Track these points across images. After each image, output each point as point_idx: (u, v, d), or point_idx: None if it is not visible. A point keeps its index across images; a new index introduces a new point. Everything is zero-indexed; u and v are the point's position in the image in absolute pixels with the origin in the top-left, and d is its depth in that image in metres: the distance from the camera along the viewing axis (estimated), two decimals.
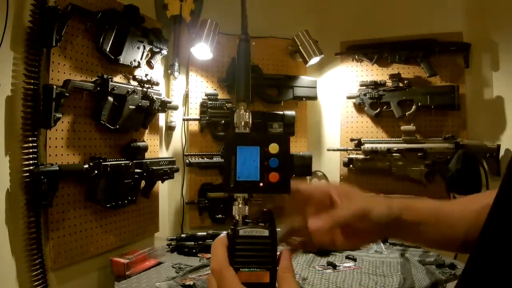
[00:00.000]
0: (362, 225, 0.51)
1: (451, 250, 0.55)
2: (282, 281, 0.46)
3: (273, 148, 0.49)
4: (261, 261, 0.46)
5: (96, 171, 1.48)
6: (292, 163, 0.50)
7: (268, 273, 0.46)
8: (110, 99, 1.55)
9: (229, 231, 0.48)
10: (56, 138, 1.40)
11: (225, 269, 0.45)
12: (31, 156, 1.29)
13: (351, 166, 2.21)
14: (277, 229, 0.48)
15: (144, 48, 1.72)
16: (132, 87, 1.65)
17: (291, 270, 0.47)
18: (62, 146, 1.43)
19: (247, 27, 0.54)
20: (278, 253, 0.48)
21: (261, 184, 0.48)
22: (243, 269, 0.45)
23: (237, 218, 0.49)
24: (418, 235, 0.53)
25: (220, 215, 2.06)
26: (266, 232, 0.47)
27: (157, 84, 1.81)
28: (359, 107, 2.27)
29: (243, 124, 0.51)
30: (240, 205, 0.49)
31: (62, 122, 1.41)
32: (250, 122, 0.52)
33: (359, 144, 2.16)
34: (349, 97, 2.27)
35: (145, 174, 1.73)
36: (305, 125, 2.34)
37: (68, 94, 1.36)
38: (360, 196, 0.54)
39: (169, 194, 2.05)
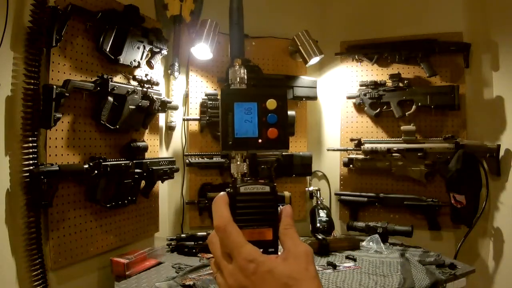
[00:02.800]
0: None
1: None
2: (285, 237, 0.45)
3: (271, 104, 0.48)
4: (263, 218, 0.45)
5: (96, 171, 1.48)
6: (287, 119, 0.48)
7: (271, 230, 0.45)
8: (110, 99, 1.55)
9: (229, 189, 0.47)
10: (56, 138, 1.40)
11: (230, 225, 0.43)
12: (31, 156, 1.29)
13: (351, 166, 2.22)
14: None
15: (144, 48, 1.72)
16: (132, 87, 1.65)
17: (293, 226, 0.46)
18: (62, 146, 1.43)
19: None
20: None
21: (260, 141, 0.47)
22: (246, 227, 0.44)
23: (236, 175, 0.48)
24: None
25: None
26: (267, 188, 0.46)
27: (157, 84, 1.81)
28: (359, 107, 2.27)
29: (238, 80, 0.50)
30: (238, 163, 0.48)
31: (62, 122, 1.41)
32: (246, 78, 0.50)
33: (359, 144, 2.16)
34: (349, 97, 2.27)
35: (145, 174, 1.73)
36: (305, 125, 2.34)
37: (68, 94, 1.36)
38: None
39: (169, 194, 2.05)
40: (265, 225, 0.45)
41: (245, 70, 0.51)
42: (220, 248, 0.45)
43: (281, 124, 0.48)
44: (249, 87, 0.50)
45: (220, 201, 0.46)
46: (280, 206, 0.47)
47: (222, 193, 0.47)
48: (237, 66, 0.50)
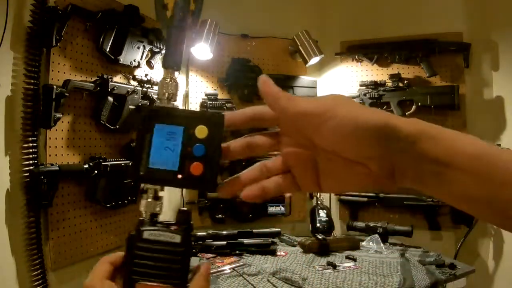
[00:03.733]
0: (345, 145, 0.35)
1: (487, 219, 0.35)
2: None
3: (201, 131, 0.38)
4: (166, 275, 0.38)
5: (96, 171, 1.48)
6: (219, 154, 0.39)
7: None
8: (110, 99, 1.55)
9: (132, 231, 0.40)
10: (56, 138, 1.40)
11: (99, 285, 0.38)
12: (31, 156, 1.29)
13: None
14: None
15: (144, 48, 1.72)
16: (132, 87, 1.65)
17: None
18: (62, 146, 1.43)
19: None
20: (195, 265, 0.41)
21: (180, 176, 0.38)
22: (142, 280, 0.37)
23: (144, 215, 0.41)
24: (445, 182, 0.33)
25: (220, 215, 2.06)
26: (177, 238, 0.38)
27: (157, 84, 1.80)
28: None
29: (166, 96, 0.42)
30: (149, 199, 0.41)
31: (62, 122, 1.41)
32: (177, 94, 0.43)
33: None
34: None
35: None
36: None
37: (68, 94, 1.36)
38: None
39: (169, 194, 2.05)
40: (168, 282, 0.37)
41: (178, 85, 0.43)
42: None
43: (210, 159, 0.38)
44: (177, 109, 0.41)
45: (102, 260, 0.41)
46: (201, 261, 0.42)
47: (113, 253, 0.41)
48: (168, 79, 0.42)
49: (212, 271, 1.54)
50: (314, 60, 2.15)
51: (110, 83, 1.52)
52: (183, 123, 0.39)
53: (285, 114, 0.38)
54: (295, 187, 0.40)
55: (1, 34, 1.18)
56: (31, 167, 1.29)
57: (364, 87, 2.22)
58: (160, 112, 0.40)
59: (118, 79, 1.64)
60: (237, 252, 1.77)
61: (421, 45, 2.12)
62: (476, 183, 0.32)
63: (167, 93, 0.42)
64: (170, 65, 0.43)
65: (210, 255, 1.73)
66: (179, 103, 2.02)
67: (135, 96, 1.66)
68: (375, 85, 2.20)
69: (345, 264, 1.60)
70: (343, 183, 0.39)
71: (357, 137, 0.34)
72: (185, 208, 0.41)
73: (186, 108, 0.42)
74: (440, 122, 2.12)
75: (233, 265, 1.60)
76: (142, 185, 0.40)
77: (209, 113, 0.40)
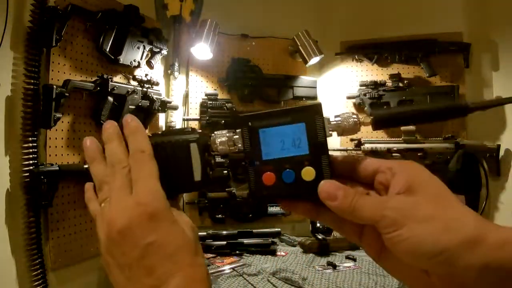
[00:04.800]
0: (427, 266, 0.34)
1: None
2: None
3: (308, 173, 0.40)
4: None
5: None
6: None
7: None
8: (110, 99, 1.55)
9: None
10: (56, 138, 1.40)
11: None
12: (31, 156, 1.29)
13: None
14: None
15: (144, 48, 1.72)
16: (132, 87, 1.65)
17: None
18: (62, 146, 1.43)
19: None
20: None
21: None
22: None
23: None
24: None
25: (220, 215, 2.06)
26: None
27: (157, 84, 1.81)
28: (359, 107, 2.27)
29: None
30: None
31: (62, 122, 1.41)
32: None
33: (359, 144, 2.16)
34: (349, 97, 2.27)
35: None
36: None
37: (68, 94, 1.36)
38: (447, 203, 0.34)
39: None
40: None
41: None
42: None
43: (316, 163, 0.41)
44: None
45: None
46: None
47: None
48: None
49: (212, 271, 1.54)
50: (314, 60, 2.15)
51: (110, 83, 1.52)
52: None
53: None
54: (356, 237, 0.40)
55: (1, 34, 1.18)
56: (31, 167, 1.29)
57: (364, 87, 2.22)
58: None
59: (118, 79, 1.65)
60: (237, 252, 1.77)
61: (421, 45, 2.12)
62: None
63: None
64: None
65: (210, 255, 1.73)
66: (179, 103, 2.02)
67: (135, 96, 1.66)
68: (375, 85, 2.19)
69: (345, 264, 1.60)
70: (398, 274, 0.39)
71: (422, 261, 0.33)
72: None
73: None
74: (440, 122, 2.12)
75: (233, 265, 1.60)
76: None
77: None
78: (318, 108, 0.41)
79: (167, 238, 0.38)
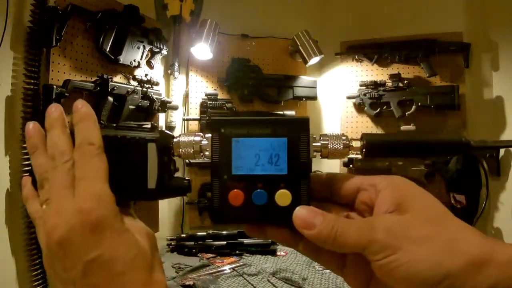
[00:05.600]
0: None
1: None
2: None
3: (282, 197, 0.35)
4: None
5: None
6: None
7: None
8: (110, 99, 1.55)
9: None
10: None
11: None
12: None
13: (351, 166, 2.21)
14: None
15: (144, 48, 1.72)
16: (132, 87, 1.65)
17: None
18: None
19: None
20: None
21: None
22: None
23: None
24: None
25: None
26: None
27: (157, 84, 1.81)
28: (359, 107, 2.27)
29: None
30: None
31: None
32: None
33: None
34: (349, 97, 2.27)
35: None
36: None
37: (68, 94, 1.36)
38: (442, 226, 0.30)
39: None
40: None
41: None
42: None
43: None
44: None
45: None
46: None
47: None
48: None
49: (212, 271, 1.54)
50: (314, 60, 2.15)
51: (110, 83, 1.52)
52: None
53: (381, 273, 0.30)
54: (337, 268, 0.36)
55: (1, 34, 1.18)
56: (31, 167, 1.28)
57: (364, 87, 2.22)
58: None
59: (118, 79, 1.64)
60: (237, 252, 1.77)
61: (421, 45, 2.12)
62: None
63: None
64: None
65: (210, 255, 1.73)
66: (179, 103, 2.02)
67: (135, 96, 1.66)
68: (375, 85, 2.19)
69: None
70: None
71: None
72: None
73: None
74: (440, 122, 2.12)
75: (233, 265, 1.60)
76: None
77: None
78: (305, 124, 0.36)
79: (114, 253, 0.32)
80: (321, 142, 0.38)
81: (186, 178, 0.40)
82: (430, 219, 0.30)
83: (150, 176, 0.37)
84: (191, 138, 0.37)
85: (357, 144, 0.39)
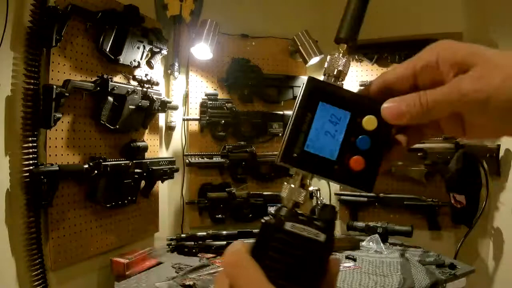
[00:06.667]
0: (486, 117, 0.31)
1: None
2: None
3: (370, 122, 0.34)
4: (300, 275, 0.31)
5: (96, 171, 1.48)
6: (382, 152, 0.34)
7: None
8: (110, 99, 1.55)
9: (267, 218, 0.32)
10: (56, 138, 1.40)
11: (246, 260, 0.31)
12: (31, 156, 1.29)
13: None
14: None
15: (144, 48, 1.72)
16: (132, 87, 1.65)
17: None
18: (62, 146, 1.43)
19: None
20: None
21: (336, 167, 0.33)
22: (272, 279, 0.31)
23: (286, 203, 0.34)
24: None
25: (220, 215, 2.06)
26: (322, 237, 0.32)
27: (157, 84, 1.81)
28: None
29: (335, 73, 0.37)
30: (294, 186, 0.34)
31: (62, 122, 1.41)
32: (347, 73, 0.38)
33: None
34: None
35: (145, 174, 1.73)
36: None
37: (68, 94, 1.36)
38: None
39: (169, 194, 2.05)
40: (302, 285, 0.31)
41: (349, 62, 0.38)
42: None
43: (373, 156, 0.33)
44: (345, 90, 0.37)
45: (237, 243, 0.33)
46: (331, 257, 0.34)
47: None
48: (339, 53, 0.37)
49: (212, 271, 1.54)
50: (314, 60, 2.15)
51: (110, 83, 1.52)
52: (351, 108, 0.35)
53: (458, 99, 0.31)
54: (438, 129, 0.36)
55: (1, 34, 1.18)
56: (31, 167, 1.29)
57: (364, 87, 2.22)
58: (327, 89, 0.35)
59: (118, 79, 1.64)
60: None
61: (421, 45, 2.06)
62: None
63: (336, 69, 0.36)
64: (345, 37, 0.37)
65: (210, 255, 1.73)
66: (179, 103, 2.02)
67: (135, 96, 1.66)
68: None
69: (345, 264, 1.60)
70: (491, 133, 0.34)
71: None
72: (328, 203, 0.36)
73: (352, 92, 0.36)
74: None
75: None
76: (292, 168, 0.34)
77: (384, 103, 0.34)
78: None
79: None
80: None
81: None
82: (495, 61, 0.30)
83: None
84: None
85: None
